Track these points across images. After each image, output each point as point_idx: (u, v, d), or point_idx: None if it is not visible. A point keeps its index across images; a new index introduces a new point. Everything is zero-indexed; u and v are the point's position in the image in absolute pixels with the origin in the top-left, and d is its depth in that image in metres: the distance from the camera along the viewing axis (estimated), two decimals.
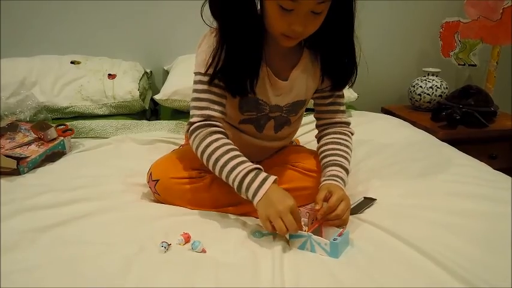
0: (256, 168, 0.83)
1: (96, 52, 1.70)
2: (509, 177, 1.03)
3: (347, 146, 0.98)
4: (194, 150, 0.89)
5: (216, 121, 0.89)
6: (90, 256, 0.71)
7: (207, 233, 0.80)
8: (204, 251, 0.74)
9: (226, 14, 0.84)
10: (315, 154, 1.05)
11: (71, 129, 1.25)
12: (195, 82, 0.91)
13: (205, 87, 0.89)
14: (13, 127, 1.22)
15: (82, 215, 0.84)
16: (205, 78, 0.89)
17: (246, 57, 0.86)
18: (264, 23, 0.86)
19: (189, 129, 0.90)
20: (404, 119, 1.72)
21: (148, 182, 0.96)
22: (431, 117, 1.74)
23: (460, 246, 0.74)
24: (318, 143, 1.02)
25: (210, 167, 0.86)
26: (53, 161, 1.15)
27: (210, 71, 0.88)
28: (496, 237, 0.77)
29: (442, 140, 1.39)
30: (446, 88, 1.87)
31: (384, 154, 1.23)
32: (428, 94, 1.86)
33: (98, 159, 1.15)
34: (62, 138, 1.20)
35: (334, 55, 0.93)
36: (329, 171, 0.92)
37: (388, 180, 1.06)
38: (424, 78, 1.90)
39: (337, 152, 0.96)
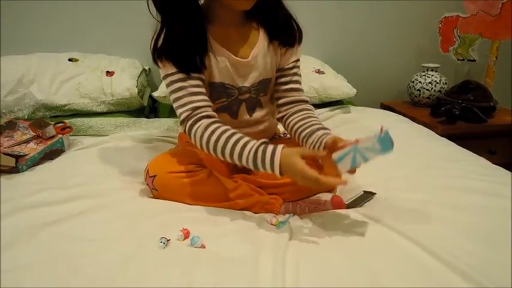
0: (261, 144, 0.83)
1: (94, 49, 1.70)
2: (509, 172, 1.03)
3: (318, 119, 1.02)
4: (198, 145, 0.90)
5: (205, 111, 0.91)
6: (88, 253, 0.70)
7: (207, 228, 0.80)
8: (203, 246, 0.74)
9: None
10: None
11: (69, 127, 1.25)
12: (168, 85, 0.93)
13: (178, 84, 0.91)
14: (11, 125, 1.22)
15: (80, 212, 0.84)
16: (175, 77, 0.91)
17: (188, 31, 0.89)
18: None
19: (185, 129, 0.92)
20: (404, 115, 1.72)
21: (145, 179, 0.95)
22: (430, 112, 1.74)
23: (459, 240, 0.74)
24: (285, 122, 1.03)
25: (220, 156, 0.87)
26: (52, 159, 1.15)
27: (177, 71, 0.90)
28: (496, 232, 0.77)
29: (441, 136, 1.38)
30: (446, 83, 1.87)
31: None
32: (427, 90, 1.86)
33: (97, 157, 1.15)
34: (61, 136, 1.20)
35: (273, 17, 0.99)
36: (321, 131, 0.94)
37: (387, 175, 1.06)
38: (424, 73, 1.89)
39: (319, 123, 0.99)
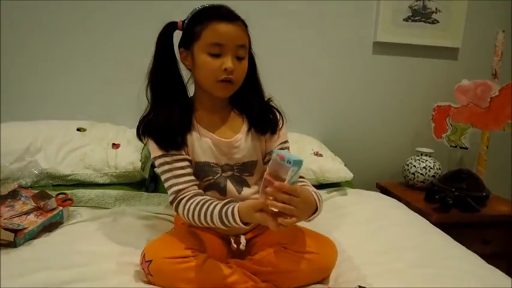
0: (222, 207, 0.94)
1: (102, 116, 1.76)
2: (508, 278, 1.03)
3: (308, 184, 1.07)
4: (186, 222, 1.01)
5: (187, 191, 1.00)
6: None
7: None
8: None
9: (155, 82, 1.05)
10: (306, 233, 1.10)
11: (70, 199, 1.27)
12: (157, 167, 1.04)
13: (165, 167, 1.02)
14: (14, 194, 1.24)
15: None
16: (162, 160, 1.01)
17: (173, 114, 1.02)
18: (200, 83, 1.04)
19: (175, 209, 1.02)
20: (399, 198, 1.75)
21: (141, 264, 0.96)
22: (424, 198, 1.77)
23: None
24: None
25: (202, 225, 0.98)
26: (50, 231, 1.16)
27: (161, 152, 1.02)
28: None
29: (436, 223, 1.41)
30: (439, 169, 1.92)
31: (379, 239, 1.23)
32: (421, 174, 1.91)
33: (95, 233, 1.15)
34: (61, 208, 1.22)
35: (251, 108, 1.10)
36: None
37: (382, 268, 1.06)
38: (418, 158, 1.96)
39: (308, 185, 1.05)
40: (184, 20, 1.04)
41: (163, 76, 1.04)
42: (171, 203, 1.02)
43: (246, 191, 1.10)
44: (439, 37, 2.05)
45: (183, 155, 1.03)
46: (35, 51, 1.73)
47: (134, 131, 1.67)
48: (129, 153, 1.51)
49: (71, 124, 1.62)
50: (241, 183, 1.09)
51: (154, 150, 1.03)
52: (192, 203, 0.97)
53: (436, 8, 2.01)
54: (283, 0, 1.88)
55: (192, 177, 1.03)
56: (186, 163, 1.03)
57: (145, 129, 1.04)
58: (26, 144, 1.45)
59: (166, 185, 1.03)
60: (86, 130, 1.60)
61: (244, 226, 0.91)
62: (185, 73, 1.08)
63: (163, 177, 1.02)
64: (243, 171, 1.09)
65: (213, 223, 0.94)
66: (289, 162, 0.84)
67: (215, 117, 1.09)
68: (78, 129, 1.59)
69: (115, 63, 1.80)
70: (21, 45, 1.72)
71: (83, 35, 1.76)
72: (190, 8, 1.05)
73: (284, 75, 1.93)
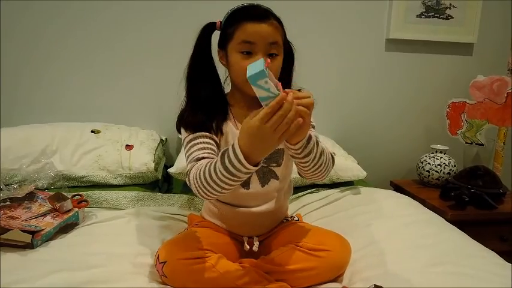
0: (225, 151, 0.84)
1: (115, 117, 1.79)
2: None
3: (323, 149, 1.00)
4: (195, 191, 0.90)
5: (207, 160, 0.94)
6: None
7: None
8: None
9: (191, 80, 1.06)
10: (318, 231, 1.11)
11: (86, 200, 1.29)
12: (185, 148, 1.01)
13: (191, 143, 1.00)
14: (31, 196, 1.26)
15: None
16: (190, 137, 1.00)
17: (209, 103, 1.03)
18: (233, 81, 1.06)
19: (188, 180, 0.94)
20: (413, 196, 1.73)
21: (155, 265, 0.97)
22: (440, 195, 1.75)
23: None
24: None
25: (210, 188, 0.86)
26: (66, 232, 1.17)
27: (190, 132, 1.01)
28: None
29: (452, 221, 1.38)
30: (455, 166, 1.89)
31: (395, 238, 1.22)
32: (436, 171, 1.88)
33: (110, 234, 1.17)
34: (77, 209, 1.23)
35: None
36: None
37: (398, 267, 1.05)
38: (432, 155, 1.93)
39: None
40: (221, 21, 1.04)
41: (200, 75, 1.05)
42: (187, 172, 0.94)
43: (272, 184, 1.10)
44: (453, 33, 2.02)
45: (212, 136, 1.02)
46: (49, 54, 1.76)
47: (147, 132, 1.73)
48: (143, 154, 1.53)
49: (85, 126, 1.65)
50: (268, 174, 1.09)
51: (185, 134, 1.02)
52: (203, 163, 0.90)
53: (451, 4, 1.98)
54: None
55: (214, 153, 0.99)
56: (212, 142, 1.01)
57: (181, 120, 1.05)
58: (42, 146, 1.48)
59: (188, 159, 0.97)
60: (100, 132, 1.62)
61: (251, 166, 0.80)
62: (222, 72, 1.09)
63: (187, 154, 0.98)
64: (269, 161, 1.09)
65: (217, 174, 0.83)
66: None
67: (248, 111, 1.07)
68: (92, 131, 1.61)
69: (128, 66, 1.82)
70: (35, 47, 1.75)
71: (97, 38, 1.78)
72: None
73: (295, 72, 1.92)
